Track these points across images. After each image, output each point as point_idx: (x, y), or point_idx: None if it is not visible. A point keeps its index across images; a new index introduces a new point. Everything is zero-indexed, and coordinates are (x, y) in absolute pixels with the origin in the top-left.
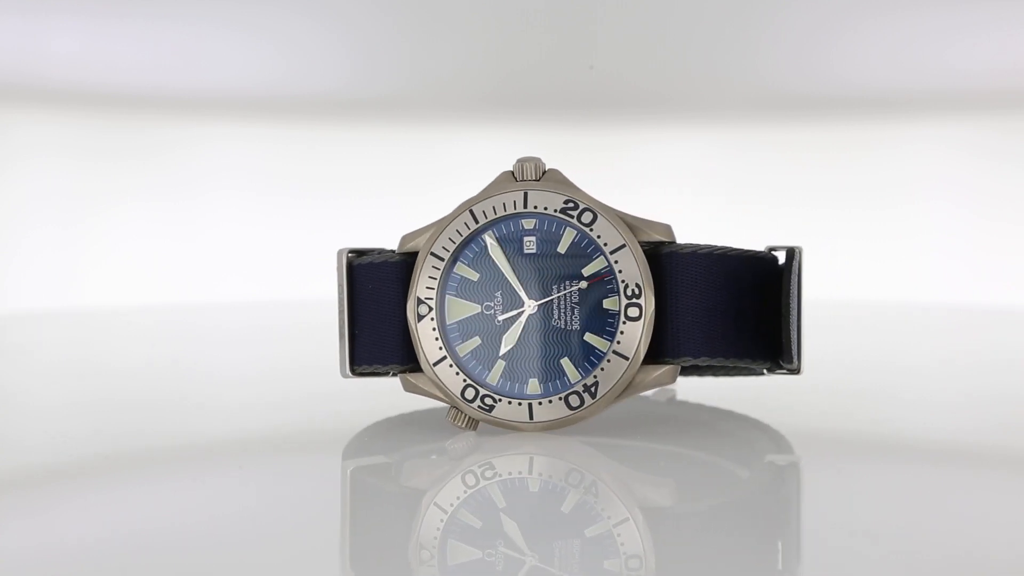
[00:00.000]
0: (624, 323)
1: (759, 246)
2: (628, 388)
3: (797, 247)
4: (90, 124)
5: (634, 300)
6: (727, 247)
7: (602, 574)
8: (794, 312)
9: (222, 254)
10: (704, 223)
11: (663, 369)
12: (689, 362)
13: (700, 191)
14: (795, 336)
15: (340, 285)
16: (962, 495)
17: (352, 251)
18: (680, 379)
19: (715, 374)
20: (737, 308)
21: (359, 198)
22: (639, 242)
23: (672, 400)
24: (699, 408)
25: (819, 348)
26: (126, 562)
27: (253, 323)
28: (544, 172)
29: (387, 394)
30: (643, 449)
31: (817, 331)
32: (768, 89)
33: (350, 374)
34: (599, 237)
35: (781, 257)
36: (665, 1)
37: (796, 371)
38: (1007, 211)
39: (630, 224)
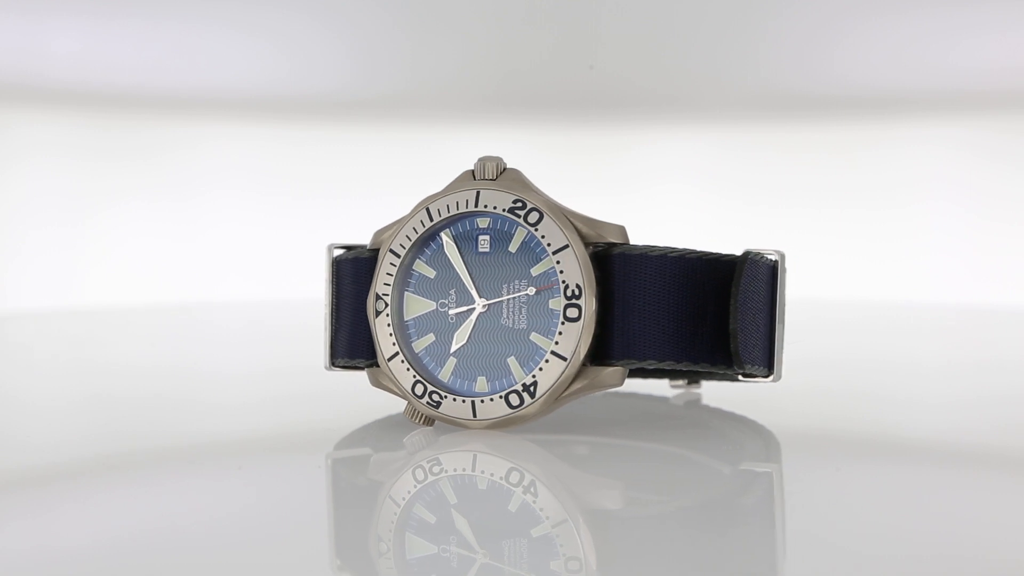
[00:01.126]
0: (563, 324)
1: (739, 248)
2: (571, 389)
3: (779, 252)
4: (90, 124)
5: (574, 301)
6: (686, 249)
7: (546, 574)
8: (765, 317)
9: (222, 254)
10: (704, 223)
11: (606, 371)
12: (635, 365)
13: (700, 191)
14: (766, 342)
15: (326, 280)
16: (961, 495)
17: (339, 246)
18: (704, 384)
19: (688, 377)
20: (692, 311)
21: (359, 198)
22: (590, 243)
23: (696, 404)
24: (700, 409)
25: (819, 348)
26: (126, 562)
27: (253, 322)
28: (503, 171)
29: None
30: (620, 447)
31: (817, 331)
32: (769, 89)
33: (331, 367)
34: (543, 237)
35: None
36: (666, 1)
37: (766, 377)
38: (1007, 211)
39: (580, 225)
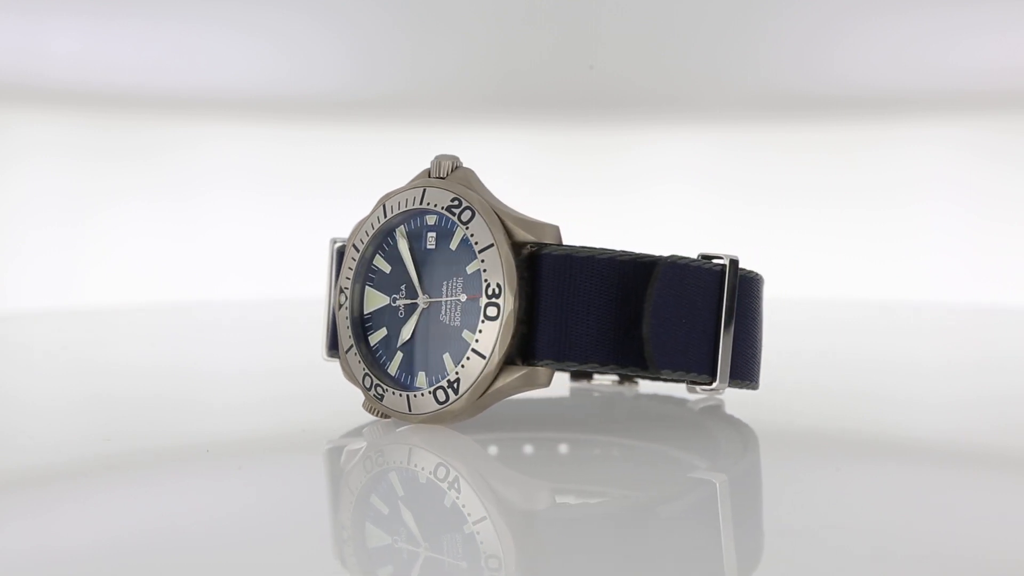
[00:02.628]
0: (483, 322)
1: (739, 248)
2: (495, 387)
3: (732, 257)
4: (90, 124)
5: (493, 300)
6: (619, 251)
7: (465, 568)
8: (707, 323)
9: (222, 253)
10: (704, 223)
11: (525, 371)
12: (554, 366)
13: (700, 191)
14: (709, 348)
15: (328, 273)
16: (961, 495)
17: (342, 240)
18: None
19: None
20: (618, 313)
21: (359, 198)
22: (523, 243)
23: (719, 409)
24: (694, 410)
25: (819, 348)
26: (126, 562)
27: (253, 322)
28: (454, 169)
29: None
30: (603, 444)
31: (818, 331)
32: (769, 89)
33: (327, 358)
34: (472, 236)
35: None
36: (666, 1)
37: (709, 385)
38: (1007, 211)
39: (512, 225)
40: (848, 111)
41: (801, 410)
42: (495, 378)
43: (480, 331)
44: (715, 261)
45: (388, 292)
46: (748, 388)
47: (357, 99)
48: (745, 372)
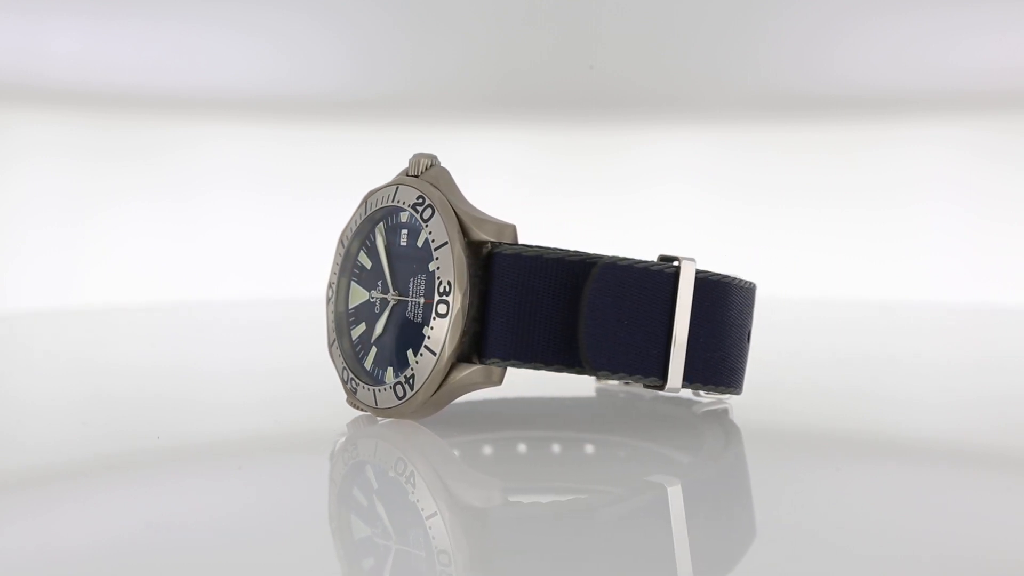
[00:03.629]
0: (434, 319)
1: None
2: (448, 383)
3: (688, 260)
4: (90, 124)
5: (443, 297)
6: (570, 251)
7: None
8: (657, 325)
9: (222, 253)
10: (704, 223)
11: (476, 368)
12: (501, 364)
13: (700, 191)
14: (661, 350)
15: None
16: (961, 495)
17: None
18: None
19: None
20: (563, 313)
21: (359, 198)
22: (480, 242)
23: (720, 411)
24: (688, 409)
25: (820, 348)
26: (126, 562)
27: (253, 321)
28: (428, 168)
29: None
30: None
31: (818, 331)
32: (769, 89)
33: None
34: (430, 233)
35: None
36: (666, 1)
37: (660, 388)
38: (1007, 211)
39: (469, 223)
40: (848, 111)
41: (801, 410)
42: (446, 375)
43: (432, 328)
44: (675, 264)
45: (368, 288)
46: (724, 393)
47: (357, 99)
48: (715, 377)
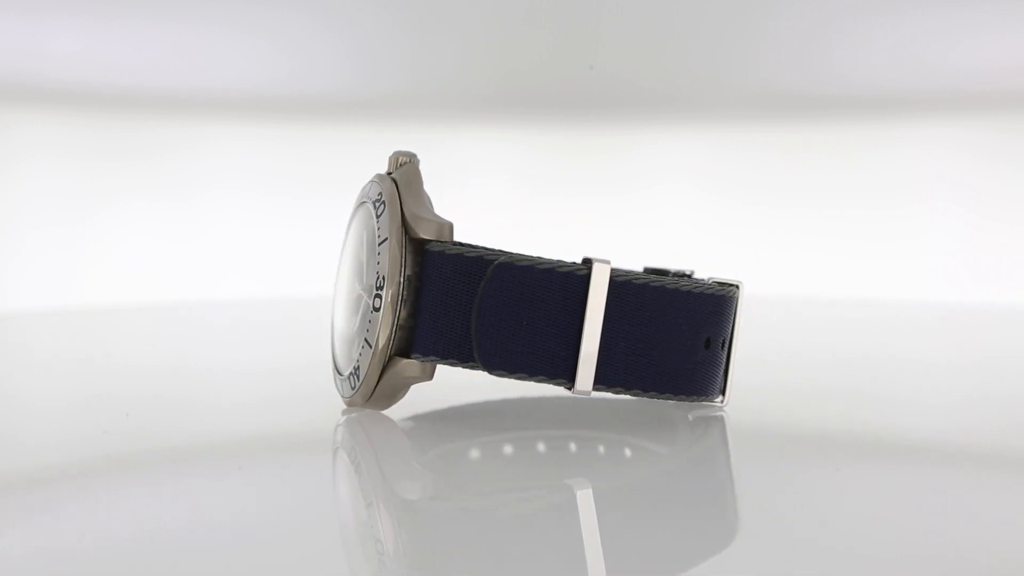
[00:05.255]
0: (372, 313)
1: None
2: (386, 377)
3: (602, 262)
4: (90, 124)
5: (378, 292)
6: (489, 250)
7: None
8: (565, 327)
9: (222, 253)
10: (704, 223)
11: (407, 363)
12: (422, 359)
13: (700, 191)
14: (571, 352)
15: None
16: (961, 495)
17: None
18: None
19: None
20: (465, 313)
21: (354, 201)
22: (423, 240)
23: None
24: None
25: (820, 347)
26: (127, 562)
27: (253, 321)
28: (401, 165)
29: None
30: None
31: (818, 331)
32: (769, 89)
33: None
34: (379, 229)
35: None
36: (666, 1)
37: (569, 390)
38: (1007, 211)
39: (411, 221)
40: (848, 111)
41: (800, 410)
42: (383, 368)
43: (370, 321)
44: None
45: (354, 280)
46: (669, 399)
47: (357, 99)
48: (644, 382)
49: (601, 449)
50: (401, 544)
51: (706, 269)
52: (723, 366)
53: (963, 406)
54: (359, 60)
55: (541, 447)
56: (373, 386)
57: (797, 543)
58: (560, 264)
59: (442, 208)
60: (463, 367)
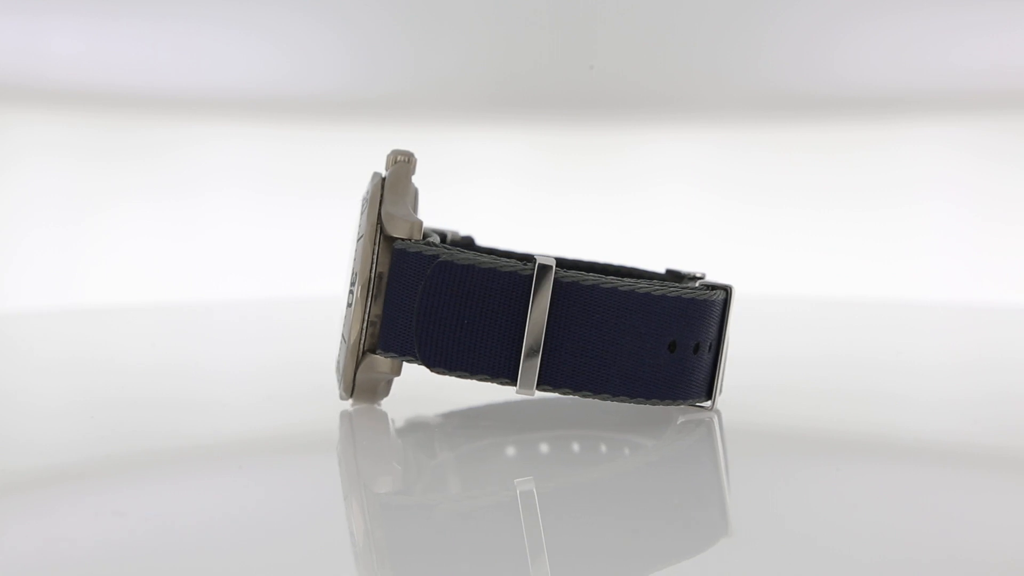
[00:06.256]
0: (347, 309)
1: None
2: (362, 372)
3: (544, 263)
4: (90, 124)
5: (351, 288)
6: (425, 247)
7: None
8: (509, 327)
9: (222, 253)
10: (704, 223)
11: (375, 359)
12: (384, 355)
13: (700, 191)
14: (512, 351)
15: None
16: (961, 495)
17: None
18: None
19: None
20: (412, 312)
21: (359, 198)
22: (393, 238)
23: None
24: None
25: (820, 347)
26: (127, 562)
27: (254, 321)
28: (394, 163)
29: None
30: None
31: (818, 331)
32: (769, 89)
33: None
34: (359, 227)
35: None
36: (666, 1)
37: (512, 387)
38: (1007, 211)
39: (386, 219)
40: (848, 111)
41: (800, 410)
42: (357, 363)
43: (346, 318)
44: (526, 267)
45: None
46: (626, 402)
47: (357, 99)
48: (594, 384)
49: (603, 448)
50: (372, 540)
51: (706, 269)
52: (707, 370)
53: (963, 406)
54: (359, 60)
55: (575, 447)
56: (351, 380)
57: (790, 540)
58: (504, 263)
59: (442, 208)
60: (416, 362)
